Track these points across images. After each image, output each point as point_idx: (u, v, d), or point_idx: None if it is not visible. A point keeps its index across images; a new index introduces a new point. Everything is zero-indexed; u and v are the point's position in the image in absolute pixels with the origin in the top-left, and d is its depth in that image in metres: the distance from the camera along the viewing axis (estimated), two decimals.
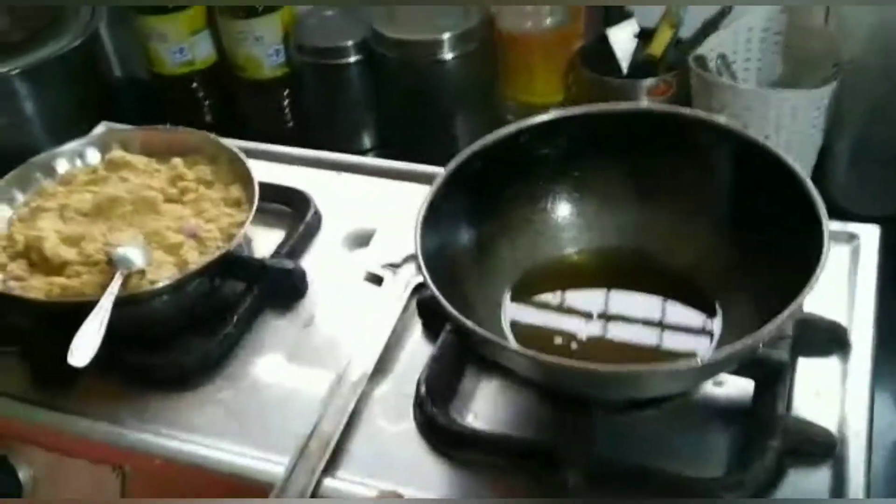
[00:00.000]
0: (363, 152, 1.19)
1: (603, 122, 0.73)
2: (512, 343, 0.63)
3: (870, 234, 0.78)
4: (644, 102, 0.99)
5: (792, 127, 0.97)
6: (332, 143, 1.06)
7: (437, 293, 0.63)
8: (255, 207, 0.79)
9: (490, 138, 0.72)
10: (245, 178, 0.84)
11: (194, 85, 1.25)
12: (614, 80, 1.04)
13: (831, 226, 0.62)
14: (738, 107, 0.96)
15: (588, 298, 0.74)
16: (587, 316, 0.72)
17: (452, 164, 0.71)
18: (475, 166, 0.71)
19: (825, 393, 0.68)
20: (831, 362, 0.70)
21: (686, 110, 0.71)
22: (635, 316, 0.72)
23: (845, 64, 0.94)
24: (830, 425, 0.65)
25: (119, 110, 1.12)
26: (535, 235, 0.75)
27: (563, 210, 0.75)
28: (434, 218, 0.68)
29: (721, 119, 0.71)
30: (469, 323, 0.60)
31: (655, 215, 0.74)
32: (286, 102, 1.23)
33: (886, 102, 0.99)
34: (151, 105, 1.27)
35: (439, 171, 0.91)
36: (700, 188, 0.71)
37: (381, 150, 1.20)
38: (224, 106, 1.27)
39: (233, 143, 0.88)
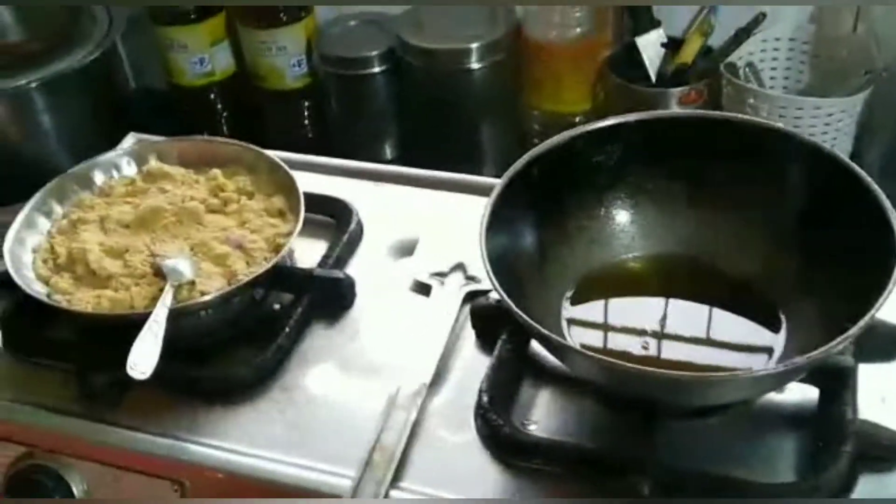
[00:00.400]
0: (385, 163, 1.18)
1: (659, 128, 0.73)
2: (589, 351, 0.62)
3: None
4: (675, 109, 1.00)
5: (824, 134, 0.97)
6: (354, 154, 1.06)
7: (507, 301, 0.62)
8: (302, 217, 0.78)
9: (546, 145, 0.72)
10: (287, 188, 0.83)
11: (212, 96, 1.24)
12: (645, 88, 1.04)
13: None
14: (772, 114, 0.96)
15: (647, 305, 0.73)
16: (648, 323, 0.72)
17: (510, 171, 0.70)
18: (532, 173, 0.71)
19: (890, 398, 0.68)
20: (893, 367, 0.70)
21: (745, 117, 0.71)
22: (697, 323, 0.72)
23: (880, 72, 0.95)
24: None
25: (135, 122, 1.11)
26: (592, 242, 0.75)
27: (621, 216, 0.75)
28: (495, 225, 0.68)
29: (783, 125, 0.71)
30: (546, 331, 0.60)
31: (714, 222, 0.73)
32: (307, 113, 1.23)
33: None
34: (167, 116, 1.26)
35: (477, 180, 0.92)
36: (760, 195, 0.71)
37: (404, 160, 1.19)
38: (241, 117, 1.26)
39: (272, 153, 0.87)
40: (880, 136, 1.02)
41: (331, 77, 1.16)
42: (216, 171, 0.86)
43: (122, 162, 0.88)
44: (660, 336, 0.71)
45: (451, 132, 1.15)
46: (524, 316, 0.61)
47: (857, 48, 1.01)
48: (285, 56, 1.16)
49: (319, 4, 1.16)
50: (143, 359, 0.66)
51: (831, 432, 0.64)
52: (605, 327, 0.72)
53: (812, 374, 0.66)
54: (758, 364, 0.68)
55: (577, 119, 1.11)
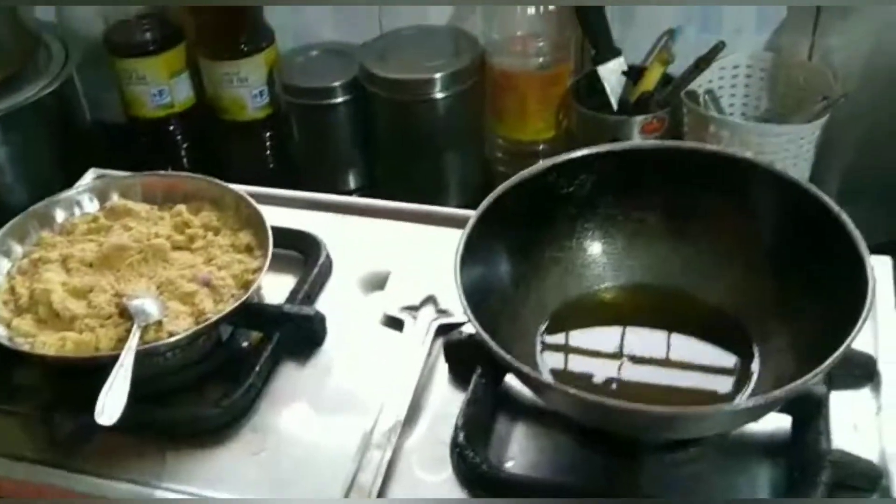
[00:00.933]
0: (348, 193, 1.17)
1: (630, 159, 0.73)
2: (569, 387, 0.61)
3: (882, 265, 0.80)
4: (637, 137, 1.01)
5: (784, 160, 0.98)
6: (317, 184, 1.05)
7: (484, 336, 0.62)
8: (270, 253, 0.77)
9: (518, 177, 0.72)
10: (255, 223, 0.82)
11: (172, 128, 1.22)
12: (608, 116, 1.05)
13: None
14: (734, 141, 0.97)
15: (621, 336, 0.73)
16: (623, 355, 0.72)
17: (484, 203, 0.70)
18: (505, 205, 0.71)
19: (862, 425, 0.68)
20: (863, 394, 0.71)
21: (714, 147, 0.72)
22: (671, 354, 0.72)
23: (837, 98, 0.97)
24: (871, 457, 0.66)
25: (93, 156, 1.09)
26: (565, 273, 0.75)
27: (593, 247, 0.75)
28: (469, 258, 0.67)
29: (752, 156, 0.72)
30: (523, 367, 0.59)
31: (685, 251, 0.74)
32: (269, 144, 1.21)
33: (877, 133, 1.02)
34: (125, 149, 1.24)
35: (446, 212, 0.91)
36: (731, 224, 0.72)
37: (368, 191, 1.18)
38: (202, 149, 1.24)
39: (237, 188, 0.86)
40: (837, 159, 1.04)
41: (293, 107, 1.15)
42: (181, 207, 0.84)
43: (83, 199, 0.86)
44: (635, 367, 0.71)
45: (415, 162, 1.14)
46: (501, 352, 0.61)
47: (813, 75, 1.03)
48: (246, 87, 1.15)
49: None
50: (110, 404, 0.64)
51: (807, 462, 0.64)
52: (579, 360, 0.72)
53: (786, 403, 0.66)
54: (733, 394, 0.69)
55: (542, 147, 1.12)
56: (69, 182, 0.96)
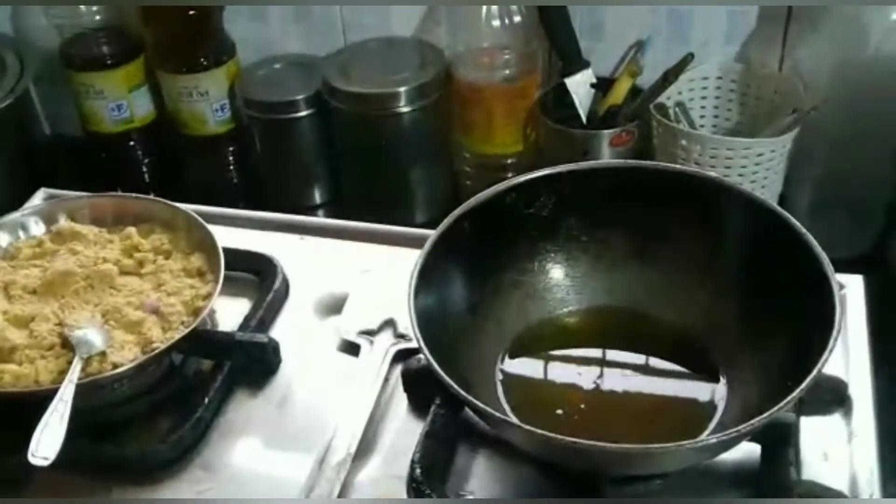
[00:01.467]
0: (313, 208, 1.15)
1: (591, 178, 0.71)
2: (521, 423, 0.59)
3: (855, 284, 0.78)
4: (606, 157, 0.99)
5: (755, 174, 0.97)
6: (281, 200, 1.02)
7: (439, 371, 0.59)
8: (221, 279, 0.75)
9: (476, 199, 0.70)
10: (207, 246, 0.79)
11: (132, 143, 1.19)
12: (576, 130, 1.02)
13: None
14: (704, 155, 0.95)
15: (584, 362, 0.71)
16: (586, 382, 0.70)
17: (440, 228, 0.68)
18: (463, 228, 0.68)
19: (832, 453, 0.66)
20: (834, 420, 0.69)
21: (678, 167, 0.69)
22: (637, 381, 0.70)
23: (810, 110, 0.95)
24: (841, 486, 0.64)
25: (50, 173, 1.06)
26: (526, 297, 0.73)
27: (555, 270, 0.73)
28: (424, 285, 0.65)
29: (716, 175, 0.70)
30: (480, 404, 0.57)
31: (649, 274, 0.72)
32: (231, 159, 1.19)
33: (847, 146, 1.00)
34: (83, 165, 1.21)
35: (407, 232, 0.89)
36: (695, 246, 0.70)
37: (333, 207, 1.16)
38: (163, 164, 1.21)
39: (189, 208, 0.83)
40: (808, 173, 1.02)
41: (255, 122, 1.12)
42: (131, 230, 0.82)
43: (29, 222, 0.83)
44: (598, 395, 0.69)
45: (381, 177, 1.12)
46: (456, 387, 0.58)
47: (783, 87, 1.01)
48: (207, 101, 1.12)
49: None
50: (45, 443, 0.61)
51: (775, 495, 0.62)
52: (541, 388, 0.70)
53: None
54: (700, 422, 0.66)
55: (510, 161, 1.09)
56: (26, 200, 0.93)
